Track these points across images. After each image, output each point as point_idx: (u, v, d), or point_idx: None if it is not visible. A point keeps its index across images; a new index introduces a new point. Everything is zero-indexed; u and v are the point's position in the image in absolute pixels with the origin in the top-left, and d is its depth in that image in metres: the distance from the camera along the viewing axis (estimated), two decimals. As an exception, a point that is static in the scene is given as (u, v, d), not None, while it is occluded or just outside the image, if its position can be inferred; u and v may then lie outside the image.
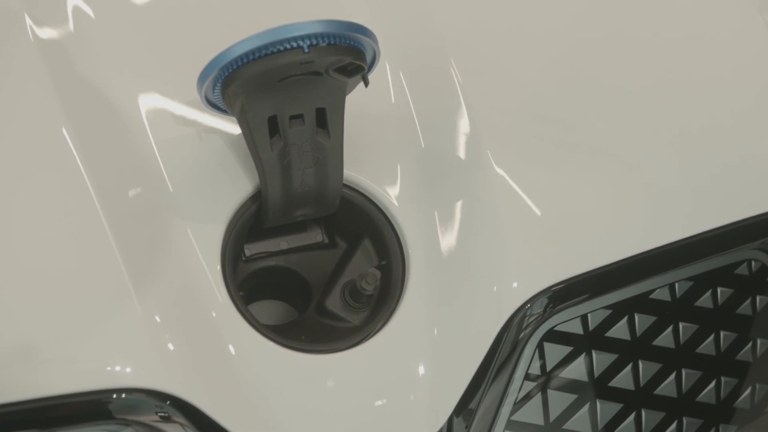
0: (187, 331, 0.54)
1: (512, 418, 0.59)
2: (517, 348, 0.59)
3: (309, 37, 0.50)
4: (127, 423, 0.52)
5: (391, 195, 0.61)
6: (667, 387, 0.64)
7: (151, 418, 0.52)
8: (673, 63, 0.71)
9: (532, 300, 0.60)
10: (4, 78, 0.59)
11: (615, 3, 0.73)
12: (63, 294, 0.53)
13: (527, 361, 0.60)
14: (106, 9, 0.63)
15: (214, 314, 0.55)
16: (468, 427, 0.57)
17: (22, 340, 0.51)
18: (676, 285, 0.65)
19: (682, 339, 0.65)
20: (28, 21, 0.61)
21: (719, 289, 0.66)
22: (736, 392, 0.67)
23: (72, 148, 0.57)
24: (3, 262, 0.53)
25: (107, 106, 0.59)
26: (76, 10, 0.63)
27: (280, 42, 0.50)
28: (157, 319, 0.53)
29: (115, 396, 0.51)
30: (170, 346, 0.53)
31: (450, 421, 0.57)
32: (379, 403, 0.56)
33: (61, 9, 0.62)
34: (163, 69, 0.62)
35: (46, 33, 0.61)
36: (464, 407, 0.57)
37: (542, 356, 0.60)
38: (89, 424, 0.51)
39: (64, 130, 0.57)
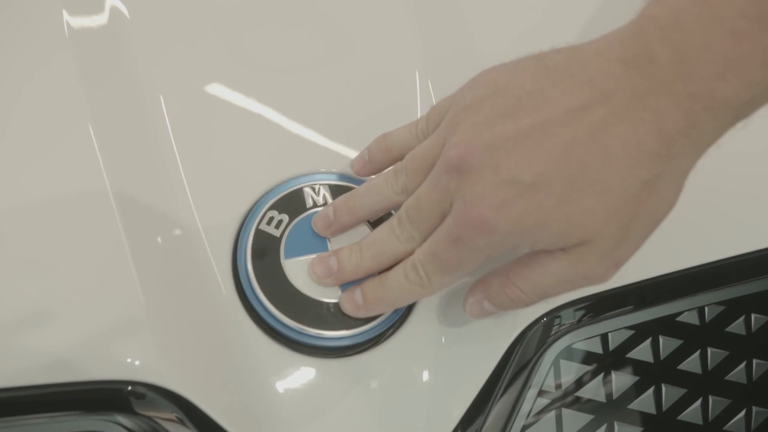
0: (190, 326, 0.55)
1: (523, 435, 0.58)
2: (530, 363, 0.58)
3: None
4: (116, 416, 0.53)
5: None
6: (691, 413, 0.62)
7: (152, 414, 0.53)
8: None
9: (549, 314, 0.59)
10: (36, 72, 0.60)
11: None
12: (66, 283, 0.54)
13: (541, 378, 0.58)
14: (142, 10, 0.64)
15: (219, 311, 0.55)
16: (475, 440, 0.57)
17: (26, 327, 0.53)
18: (706, 309, 0.63)
19: (710, 365, 0.63)
20: (65, 16, 0.62)
21: (753, 316, 0.64)
22: (768, 424, 0.65)
23: (95, 144, 0.58)
24: (16, 249, 0.55)
25: (134, 107, 0.60)
26: (114, 9, 0.64)
27: None
28: (161, 313, 0.54)
29: (116, 387, 0.52)
30: (172, 342, 0.54)
31: (455, 433, 0.56)
32: (381, 412, 0.55)
33: (98, 6, 0.64)
34: (196, 74, 0.63)
35: (82, 30, 0.62)
36: (471, 421, 0.56)
37: (558, 373, 0.59)
38: (86, 413, 0.52)
39: (89, 127, 0.58)
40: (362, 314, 0.56)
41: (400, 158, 0.58)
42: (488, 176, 0.48)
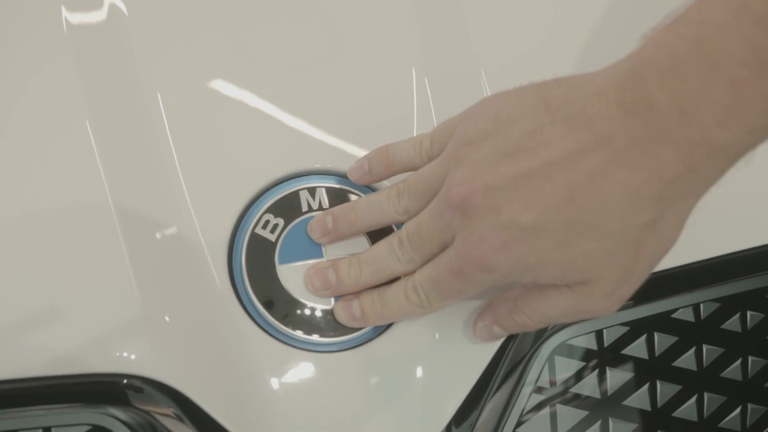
0: (187, 323, 0.55)
1: (517, 430, 0.58)
2: (524, 359, 0.58)
3: None
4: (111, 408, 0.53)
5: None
6: (686, 410, 0.62)
7: (148, 408, 0.53)
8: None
9: (543, 311, 0.59)
10: (34, 68, 0.61)
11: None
12: (62, 279, 0.55)
13: (536, 373, 0.59)
14: (141, 6, 0.64)
15: (215, 309, 0.56)
16: (469, 436, 0.57)
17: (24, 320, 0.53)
18: (701, 306, 0.63)
19: (705, 362, 0.63)
20: (64, 13, 0.63)
21: (749, 313, 0.64)
22: (764, 421, 0.65)
23: (93, 144, 0.58)
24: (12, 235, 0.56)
25: (132, 104, 0.61)
26: (112, 6, 0.64)
27: None
28: (157, 310, 0.55)
29: (111, 380, 0.53)
30: (169, 338, 0.54)
31: (449, 429, 0.56)
32: (375, 407, 0.55)
33: (96, 2, 0.64)
34: (194, 72, 0.63)
35: (80, 27, 0.63)
36: (465, 417, 0.57)
37: (552, 369, 0.59)
38: (82, 405, 0.53)
39: (87, 123, 0.59)
40: (357, 326, 0.56)
41: (401, 173, 0.59)
42: (489, 219, 0.49)
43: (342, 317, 0.56)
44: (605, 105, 0.47)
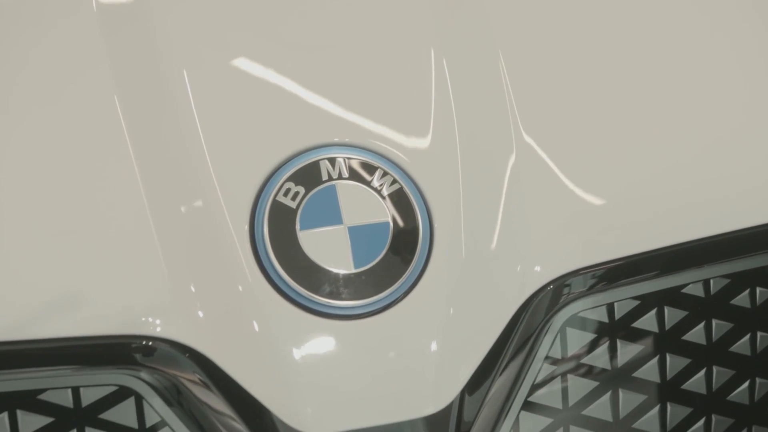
0: (210, 291, 0.57)
1: (529, 399, 0.60)
2: (536, 330, 0.60)
3: None
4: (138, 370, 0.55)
5: (421, 177, 0.62)
6: (695, 383, 0.63)
7: (172, 371, 0.56)
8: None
9: (555, 282, 0.60)
10: (64, 45, 0.63)
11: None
12: (94, 251, 0.57)
13: (548, 345, 0.60)
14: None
15: (239, 277, 0.57)
16: (481, 404, 0.58)
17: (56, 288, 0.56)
18: (711, 281, 0.64)
19: (714, 336, 0.64)
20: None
21: (758, 290, 0.65)
22: (773, 395, 0.66)
23: (120, 116, 0.61)
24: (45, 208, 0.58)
25: (158, 79, 0.62)
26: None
27: None
28: (183, 277, 0.57)
29: (141, 343, 0.55)
30: (193, 304, 0.56)
31: (462, 397, 0.57)
32: (389, 374, 0.57)
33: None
34: (218, 48, 0.65)
35: (110, 5, 0.65)
36: (478, 386, 0.58)
37: (564, 341, 0.61)
38: (109, 366, 0.55)
39: (115, 98, 0.61)
40: None
41: None
42: None
43: None
44: None
